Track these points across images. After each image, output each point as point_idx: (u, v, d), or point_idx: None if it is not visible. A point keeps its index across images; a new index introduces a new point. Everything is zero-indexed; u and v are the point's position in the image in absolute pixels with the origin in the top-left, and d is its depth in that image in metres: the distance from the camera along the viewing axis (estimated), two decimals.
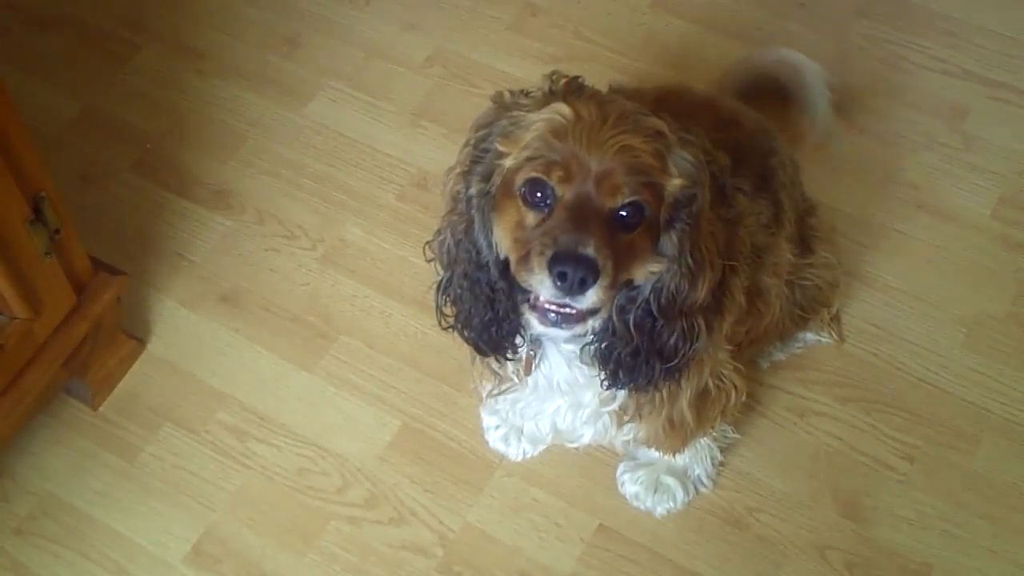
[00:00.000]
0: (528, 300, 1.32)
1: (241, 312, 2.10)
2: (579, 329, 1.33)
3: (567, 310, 1.29)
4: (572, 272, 1.21)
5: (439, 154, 2.26)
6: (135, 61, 2.46)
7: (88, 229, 2.02)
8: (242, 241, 2.19)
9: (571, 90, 1.32)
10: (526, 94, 1.34)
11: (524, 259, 1.27)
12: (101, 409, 1.98)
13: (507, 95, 1.36)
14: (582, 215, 1.23)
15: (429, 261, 1.46)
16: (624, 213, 1.25)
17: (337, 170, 2.28)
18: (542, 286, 1.24)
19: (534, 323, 1.33)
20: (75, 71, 2.45)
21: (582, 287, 1.22)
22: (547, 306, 1.29)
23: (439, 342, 2.01)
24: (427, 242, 1.46)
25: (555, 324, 1.30)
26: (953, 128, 2.30)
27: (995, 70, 2.38)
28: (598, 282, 1.22)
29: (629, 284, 1.32)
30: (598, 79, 1.44)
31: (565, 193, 1.25)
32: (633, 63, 2.42)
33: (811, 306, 1.89)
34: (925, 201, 2.20)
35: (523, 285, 1.30)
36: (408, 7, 2.53)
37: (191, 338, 2.07)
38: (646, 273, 1.30)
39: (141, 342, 2.05)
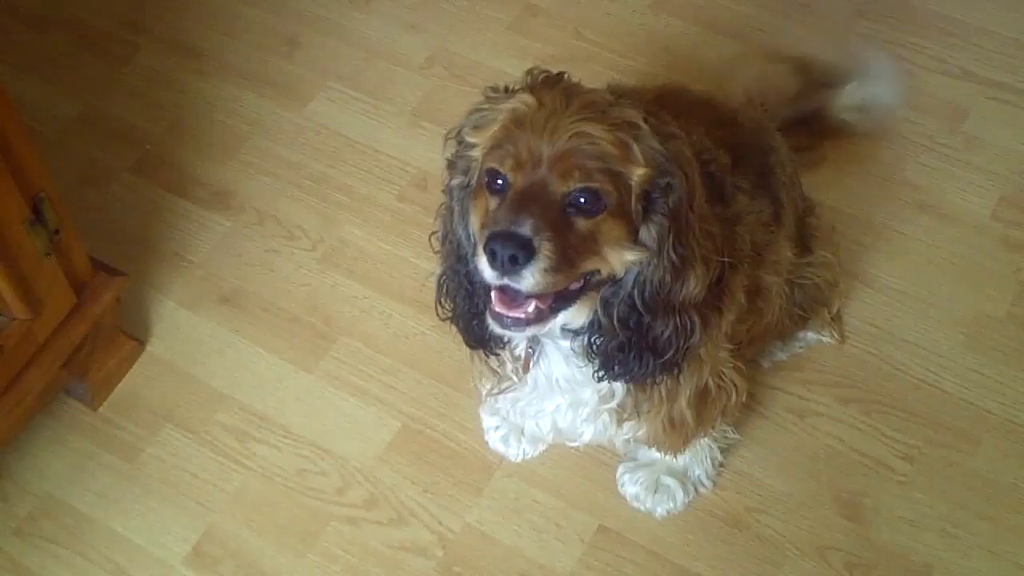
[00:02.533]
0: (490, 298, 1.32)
1: (241, 313, 2.10)
2: (535, 331, 1.33)
3: (517, 313, 1.29)
4: (500, 249, 1.21)
5: (439, 155, 2.21)
6: (135, 61, 2.46)
7: (88, 229, 2.02)
8: (242, 242, 2.19)
9: (547, 83, 1.34)
10: (511, 90, 1.35)
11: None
12: (101, 410, 1.98)
13: (494, 91, 1.37)
14: (526, 199, 1.24)
15: (436, 252, 1.47)
16: (583, 199, 1.25)
17: (337, 171, 2.28)
18: (482, 266, 1.25)
19: (491, 324, 1.33)
20: (75, 71, 2.45)
21: (514, 264, 1.22)
22: (497, 308, 1.30)
23: (439, 343, 2.01)
24: (432, 232, 1.48)
25: (506, 327, 1.31)
26: (953, 128, 2.30)
27: (995, 70, 2.38)
28: (535, 263, 1.22)
29: (613, 280, 1.32)
30: (598, 79, 1.44)
31: (517, 180, 1.26)
32: (633, 63, 2.41)
33: (811, 305, 1.89)
34: (925, 201, 2.20)
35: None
36: (408, 7, 2.53)
37: (191, 339, 2.07)
38: (622, 262, 1.30)
39: (141, 343, 2.05)
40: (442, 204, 1.42)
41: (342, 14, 2.52)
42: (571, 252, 1.25)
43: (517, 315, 1.29)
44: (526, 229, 1.21)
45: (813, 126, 2.05)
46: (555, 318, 1.33)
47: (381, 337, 2.06)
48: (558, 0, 2.52)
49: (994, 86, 2.36)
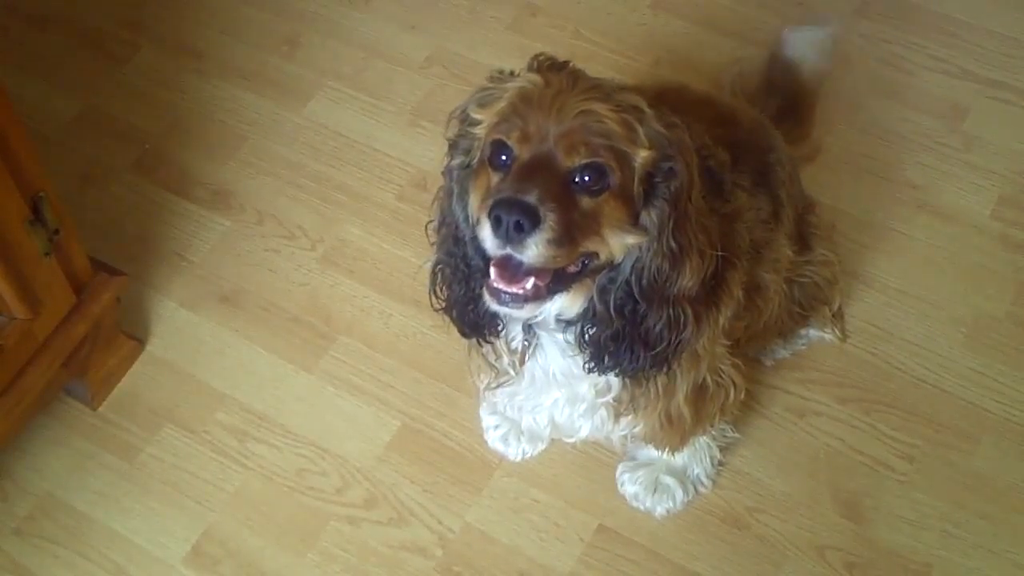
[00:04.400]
0: (487, 277, 1.31)
1: (241, 312, 2.10)
2: (531, 310, 1.32)
3: (515, 289, 1.28)
4: (506, 216, 1.21)
5: (439, 154, 2.21)
6: (135, 61, 2.46)
7: (88, 229, 2.02)
8: (242, 241, 2.19)
9: (552, 67, 1.34)
10: (516, 74, 1.36)
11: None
12: (101, 409, 1.98)
13: (499, 73, 1.38)
14: (533, 170, 1.24)
15: (433, 244, 1.47)
16: (587, 177, 1.25)
17: (337, 170, 2.28)
18: (485, 234, 1.24)
19: (488, 301, 1.31)
20: (75, 71, 2.45)
21: (519, 232, 1.21)
22: (495, 284, 1.28)
23: (438, 342, 2.01)
24: (428, 221, 1.48)
25: (504, 304, 1.29)
26: (953, 128, 2.30)
27: (995, 70, 2.38)
28: (539, 233, 1.21)
29: (611, 265, 1.32)
30: None
31: (523, 153, 1.26)
32: (633, 63, 2.42)
33: (810, 303, 1.89)
34: (925, 201, 2.20)
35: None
36: (408, 7, 2.53)
37: (191, 338, 2.07)
38: (622, 244, 1.30)
39: (140, 342, 2.05)
40: (440, 188, 1.42)
41: (342, 14, 2.52)
42: (573, 228, 1.24)
43: (515, 290, 1.28)
44: (530, 197, 1.21)
45: (795, 102, 2.04)
46: (551, 299, 1.33)
47: (381, 337, 2.06)
48: (558, 0, 2.53)
49: (994, 86, 2.36)
